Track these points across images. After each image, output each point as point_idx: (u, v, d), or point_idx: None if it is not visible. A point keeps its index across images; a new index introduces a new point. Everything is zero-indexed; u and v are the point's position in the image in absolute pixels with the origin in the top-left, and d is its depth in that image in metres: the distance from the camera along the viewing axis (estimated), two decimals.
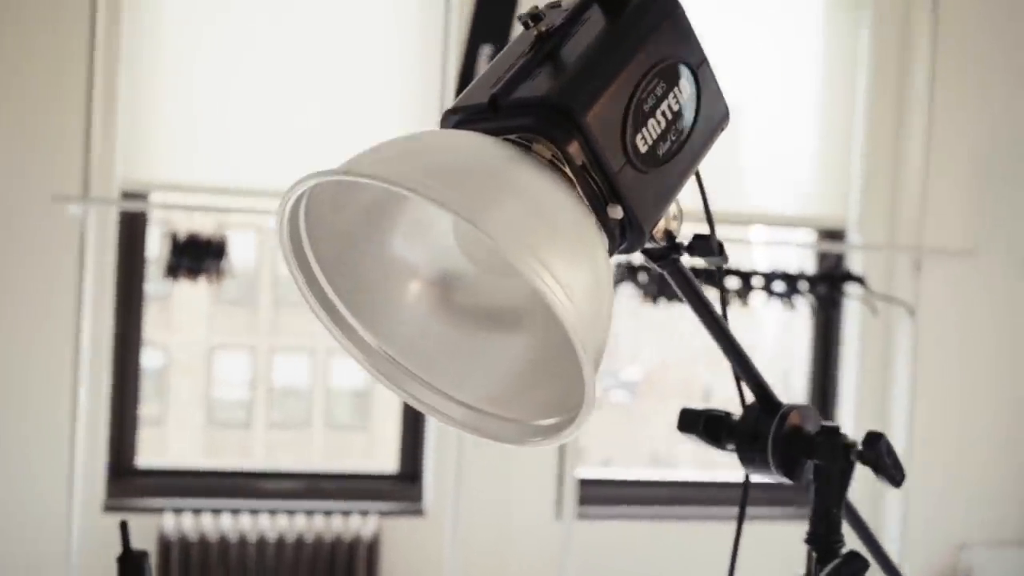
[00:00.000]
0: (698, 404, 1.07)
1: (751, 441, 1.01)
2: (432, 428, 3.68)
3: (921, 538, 3.83)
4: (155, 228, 3.70)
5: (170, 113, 3.50)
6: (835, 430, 0.99)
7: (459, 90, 2.78)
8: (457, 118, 0.80)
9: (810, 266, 3.94)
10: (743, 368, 1.00)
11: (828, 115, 3.92)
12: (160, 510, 3.47)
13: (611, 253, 0.78)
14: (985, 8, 3.88)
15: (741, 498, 1.05)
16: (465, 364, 0.84)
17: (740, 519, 1.05)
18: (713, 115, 0.84)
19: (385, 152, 0.71)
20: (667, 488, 4.11)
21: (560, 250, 0.68)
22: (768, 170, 3.87)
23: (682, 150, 0.81)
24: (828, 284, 3.66)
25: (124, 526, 1.04)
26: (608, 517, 3.84)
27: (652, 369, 7.01)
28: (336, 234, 0.81)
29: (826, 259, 3.93)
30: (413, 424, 3.77)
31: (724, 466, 5.16)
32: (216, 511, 3.48)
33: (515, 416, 0.81)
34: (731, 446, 1.03)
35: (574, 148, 0.75)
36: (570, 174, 0.75)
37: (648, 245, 0.87)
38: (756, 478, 1.02)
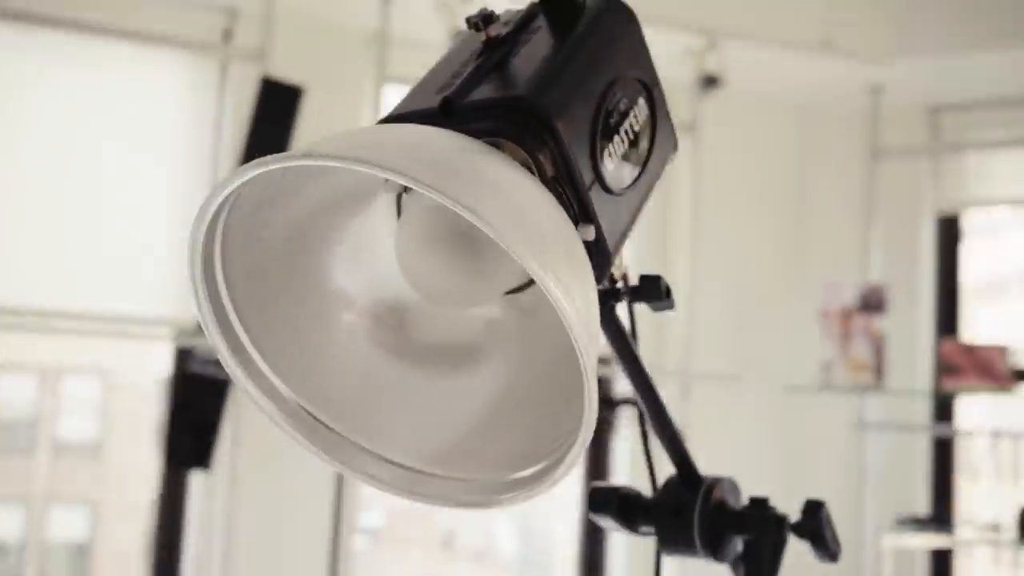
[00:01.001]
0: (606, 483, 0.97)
1: (672, 518, 0.91)
2: None
3: None
4: None
5: None
6: (764, 502, 0.92)
7: None
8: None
9: None
10: (667, 436, 0.91)
11: None
12: None
13: None
14: (741, 144, 4.09)
15: None
16: (409, 417, 0.70)
17: None
18: (665, 141, 0.77)
19: (347, 140, 0.59)
20: None
21: (556, 247, 0.58)
22: None
23: (642, 174, 0.73)
24: (600, 409, 3.67)
25: None
26: None
27: (394, 513, 6.81)
28: (254, 260, 0.67)
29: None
30: None
31: None
32: None
33: (471, 475, 0.68)
34: (646, 528, 0.94)
35: (545, 157, 0.65)
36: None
37: None
38: (672, 559, 0.93)
